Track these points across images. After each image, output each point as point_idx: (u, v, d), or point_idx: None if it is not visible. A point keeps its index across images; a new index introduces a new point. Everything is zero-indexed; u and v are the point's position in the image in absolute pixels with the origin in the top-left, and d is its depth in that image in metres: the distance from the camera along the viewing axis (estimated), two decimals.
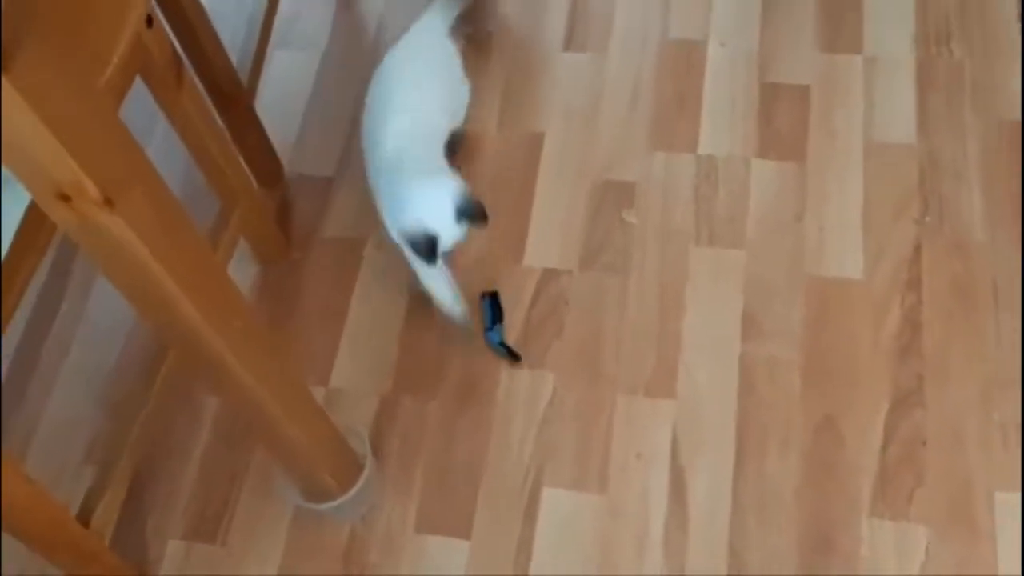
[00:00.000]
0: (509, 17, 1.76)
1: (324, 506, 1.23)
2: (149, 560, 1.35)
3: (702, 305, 1.45)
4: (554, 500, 1.33)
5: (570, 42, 1.71)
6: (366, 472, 1.25)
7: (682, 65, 1.65)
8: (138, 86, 1.18)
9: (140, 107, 1.18)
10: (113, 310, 1.54)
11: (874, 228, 1.47)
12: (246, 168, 1.49)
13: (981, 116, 1.55)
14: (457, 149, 1.51)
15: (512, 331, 1.45)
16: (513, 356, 1.42)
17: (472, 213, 1.28)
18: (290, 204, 1.61)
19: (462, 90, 1.53)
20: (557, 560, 1.29)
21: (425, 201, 1.30)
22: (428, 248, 1.27)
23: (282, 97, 1.70)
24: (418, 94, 1.44)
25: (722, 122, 1.59)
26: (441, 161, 1.40)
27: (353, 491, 1.23)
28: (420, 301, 1.43)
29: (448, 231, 1.29)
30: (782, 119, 1.58)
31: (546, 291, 1.48)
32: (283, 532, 1.35)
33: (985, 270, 1.43)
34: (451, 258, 1.39)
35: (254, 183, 1.53)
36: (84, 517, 1.17)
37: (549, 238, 1.53)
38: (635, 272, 1.48)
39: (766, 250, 1.48)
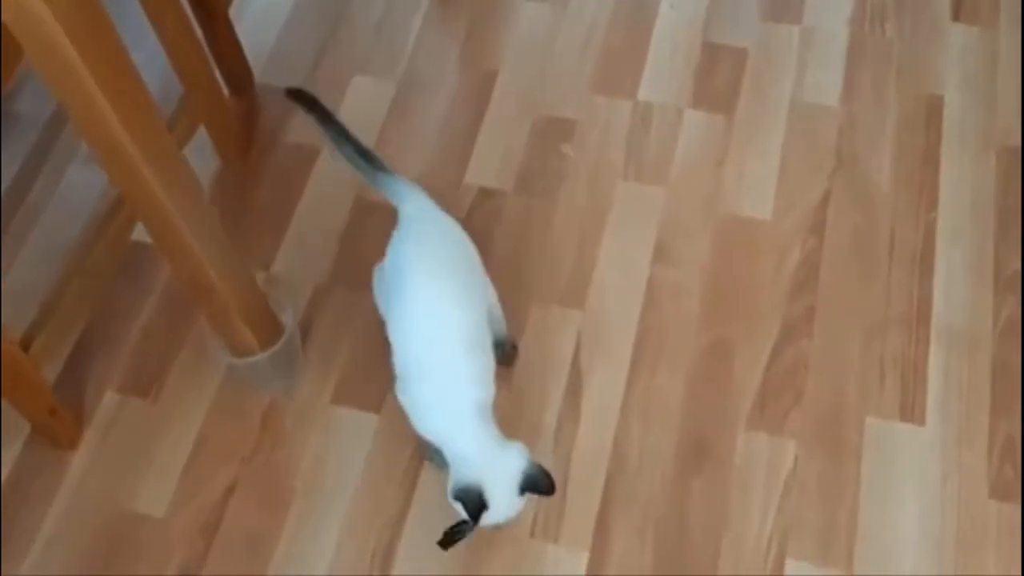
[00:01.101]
0: None
1: (245, 360, 1.35)
2: (85, 408, 1.47)
3: (620, 232, 1.56)
4: None
5: None
6: (285, 337, 1.37)
7: (633, 20, 1.78)
8: None
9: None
10: (82, 190, 1.68)
11: (788, 178, 1.59)
12: (214, 67, 1.62)
13: (903, 92, 1.66)
14: (502, 358, 1.36)
15: None
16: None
17: (541, 487, 1.15)
18: (257, 110, 1.73)
19: (484, 275, 1.33)
20: None
21: (490, 467, 1.16)
22: (475, 511, 1.14)
23: (262, 9, 1.84)
24: (455, 279, 1.24)
25: (662, 74, 1.71)
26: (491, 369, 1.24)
27: (272, 350, 1.34)
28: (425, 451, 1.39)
29: (507, 504, 1.16)
30: (718, 76, 1.70)
31: (481, 208, 1.60)
32: (210, 395, 1.46)
33: (885, 224, 1.54)
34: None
35: (224, 88, 1.66)
36: (25, 342, 1.29)
37: (490, 161, 1.65)
38: (563, 198, 1.60)
39: (685, 189, 1.59)
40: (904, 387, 1.40)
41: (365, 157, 1.33)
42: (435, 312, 1.20)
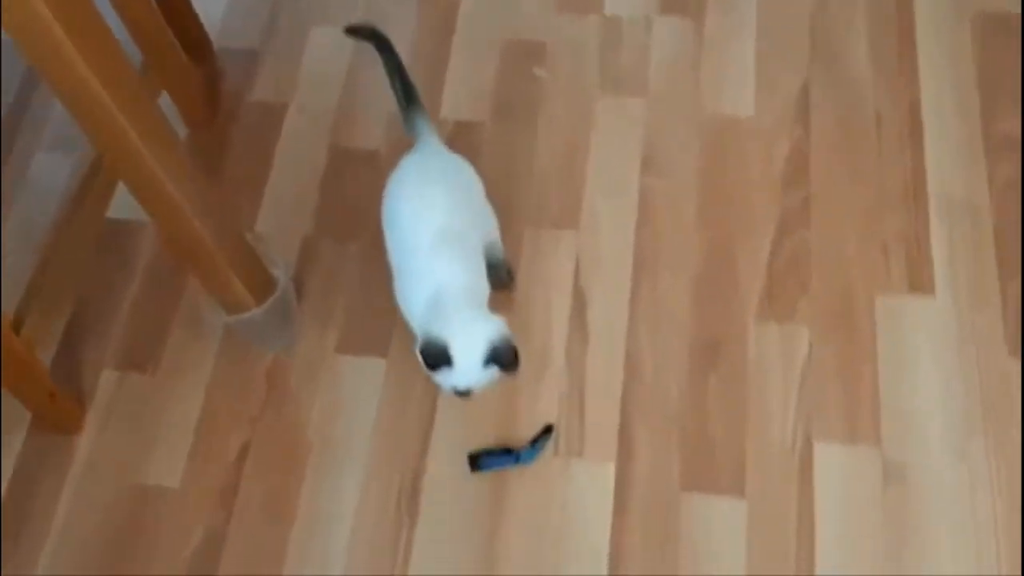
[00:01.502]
0: None
1: (241, 317, 1.31)
2: (85, 389, 1.43)
3: (605, 148, 1.53)
4: None
5: None
6: (279, 289, 1.33)
7: None
8: None
9: None
10: (51, 175, 1.63)
11: (766, 72, 1.57)
12: (171, 35, 1.57)
13: None
14: (497, 281, 1.35)
15: None
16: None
17: (503, 360, 1.15)
18: (219, 75, 1.68)
19: (487, 208, 1.35)
20: None
21: (461, 331, 1.15)
22: (433, 361, 1.14)
23: None
24: (448, 196, 1.25)
25: None
26: (482, 274, 1.25)
27: (267, 304, 1.31)
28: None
29: (471, 368, 1.15)
30: None
31: (459, 141, 1.56)
32: (210, 362, 1.43)
33: (868, 106, 1.52)
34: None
35: (183, 55, 1.62)
36: (16, 325, 1.25)
37: (461, 92, 1.61)
38: (543, 121, 1.57)
39: (665, 97, 1.57)
40: (910, 262, 1.38)
41: (408, 93, 1.35)
42: (429, 213, 1.21)
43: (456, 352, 1.13)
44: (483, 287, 1.24)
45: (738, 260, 1.42)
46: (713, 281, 1.41)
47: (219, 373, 1.42)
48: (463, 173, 1.32)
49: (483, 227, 1.32)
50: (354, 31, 1.39)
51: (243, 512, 1.32)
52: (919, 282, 1.37)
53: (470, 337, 1.14)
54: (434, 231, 1.20)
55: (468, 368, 1.14)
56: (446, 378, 1.16)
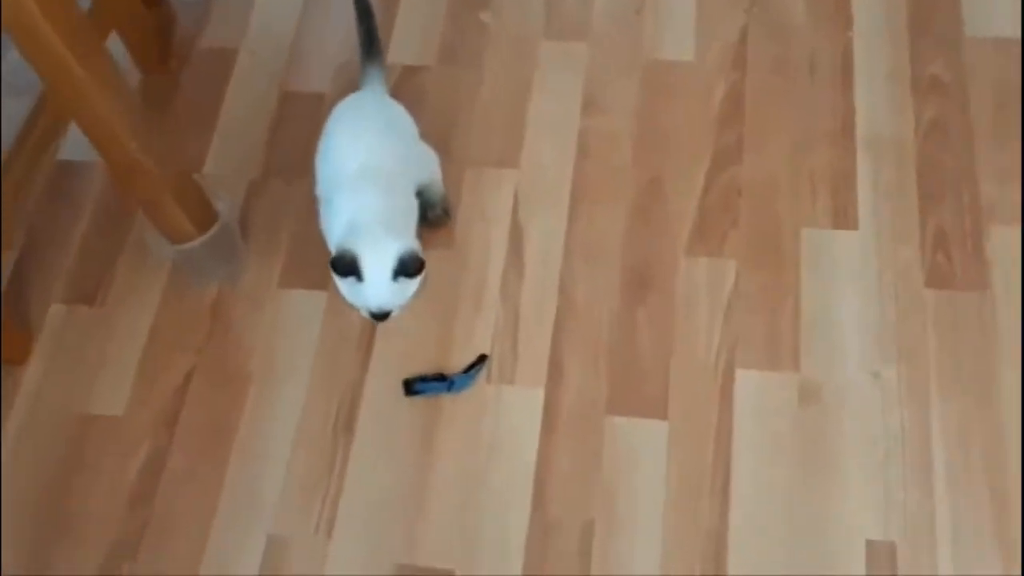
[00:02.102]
0: None
1: (184, 246, 1.35)
2: (32, 322, 1.46)
3: (547, 90, 1.57)
4: None
5: None
6: (221, 221, 1.37)
7: None
8: None
9: None
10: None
11: (705, 18, 1.60)
12: None
13: None
14: (433, 218, 1.44)
15: None
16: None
17: (409, 268, 1.20)
18: (171, 19, 1.71)
19: (421, 149, 1.40)
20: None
21: (371, 246, 1.20)
22: (343, 270, 1.19)
23: None
24: (377, 136, 1.31)
25: None
26: (406, 208, 1.31)
27: (209, 234, 1.34)
28: None
29: (380, 282, 1.20)
30: None
31: (406, 85, 1.60)
32: (156, 293, 1.47)
33: (803, 49, 1.56)
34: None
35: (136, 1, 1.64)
36: None
37: (409, 38, 1.64)
38: (488, 65, 1.60)
39: (607, 41, 1.60)
40: (835, 197, 1.42)
41: (371, 42, 1.40)
42: (355, 149, 1.27)
43: (365, 265, 1.18)
44: (406, 221, 1.28)
45: (671, 196, 1.46)
46: (646, 216, 1.44)
47: (165, 306, 1.45)
48: (396, 116, 1.37)
49: (415, 167, 1.37)
50: None
51: (185, 436, 1.35)
52: (843, 217, 1.41)
53: (379, 251, 1.19)
54: (357, 166, 1.26)
55: (378, 281, 1.19)
56: (360, 296, 1.21)
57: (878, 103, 1.49)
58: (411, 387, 1.35)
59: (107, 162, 1.30)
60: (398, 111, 1.38)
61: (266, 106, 1.60)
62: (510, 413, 1.32)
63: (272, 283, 1.45)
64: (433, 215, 1.45)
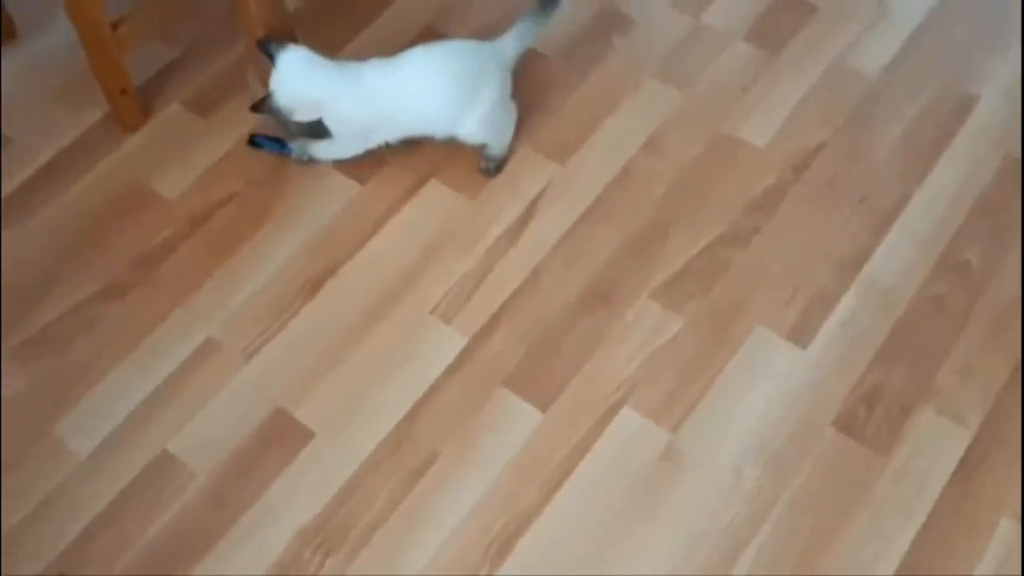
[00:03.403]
0: None
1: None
2: (155, 109, 1.78)
3: (627, 116, 1.71)
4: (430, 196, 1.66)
5: None
6: None
7: None
8: None
9: None
10: None
11: (797, 120, 1.68)
12: None
13: (942, 83, 1.70)
14: (483, 168, 1.64)
15: None
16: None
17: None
18: None
19: (502, 108, 1.61)
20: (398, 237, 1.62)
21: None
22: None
23: None
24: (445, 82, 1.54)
25: (733, 5, 1.82)
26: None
27: None
28: None
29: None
30: (780, 21, 1.80)
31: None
32: (245, 131, 1.75)
33: (865, 181, 1.61)
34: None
35: None
36: (115, 24, 1.59)
37: (549, 30, 1.82)
38: (594, 75, 1.76)
39: (702, 100, 1.72)
40: (805, 314, 1.48)
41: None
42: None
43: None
44: None
45: (669, 244, 1.56)
46: (639, 249, 1.56)
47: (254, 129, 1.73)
48: (488, 54, 1.57)
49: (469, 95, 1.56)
50: None
51: (203, 237, 1.61)
52: (800, 334, 1.46)
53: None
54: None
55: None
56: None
57: (898, 257, 1.52)
58: (254, 140, 1.68)
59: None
60: (495, 72, 1.57)
61: None
62: (429, 344, 1.49)
63: (331, 167, 1.71)
64: (484, 165, 1.64)
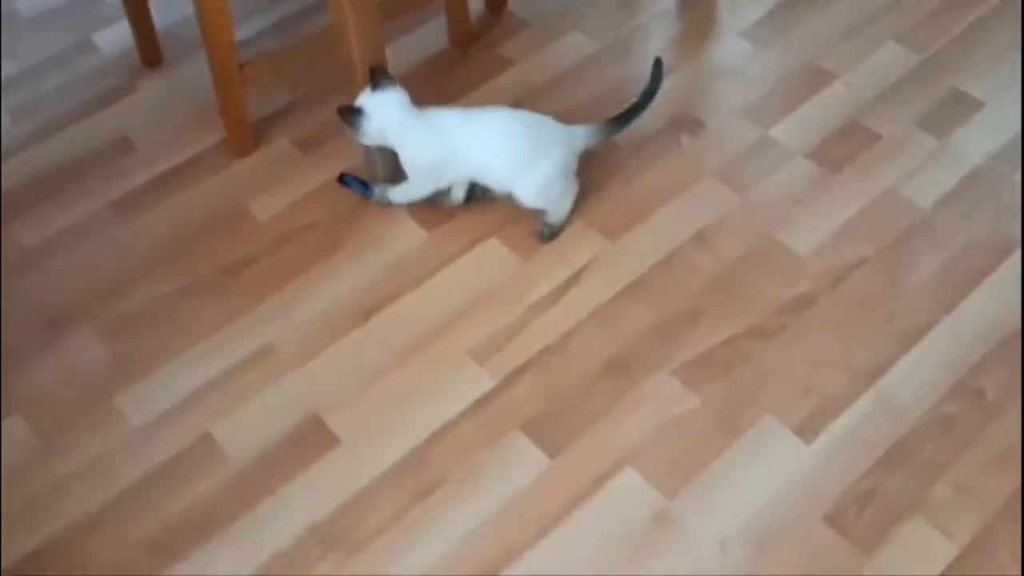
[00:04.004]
0: None
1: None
2: (264, 140, 2.00)
3: (682, 207, 1.83)
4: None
5: None
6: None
7: (806, 79, 2.04)
8: None
9: None
10: None
11: (842, 237, 1.77)
12: None
13: (994, 223, 1.76)
14: (537, 231, 1.79)
15: None
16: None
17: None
18: (502, 21, 2.21)
19: (565, 181, 1.77)
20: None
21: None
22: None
23: None
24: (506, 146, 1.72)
25: (802, 125, 1.95)
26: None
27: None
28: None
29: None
30: (844, 145, 1.91)
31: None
32: (335, 173, 1.95)
33: (897, 302, 1.67)
34: None
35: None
36: (242, 65, 1.85)
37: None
38: (656, 168, 1.89)
39: (754, 206, 1.83)
40: (815, 412, 1.54)
41: (630, 114, 1.79)
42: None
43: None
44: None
45: (696, 330, 1.66)
46: (667, 331, 1.66)
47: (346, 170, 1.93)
48: (557, 130, 1.75)
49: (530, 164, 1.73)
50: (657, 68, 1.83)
51: (295, 252, 1.79)
52: (806, 431, 1.52)
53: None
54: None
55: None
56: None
57: (916, 375, 1.57)
58: (343, 178, 1.88)
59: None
60: (559, 131, 1.75)
61: None
62: (461, 382, 1.61)
63: (404, 213, 1.88)
64: (539, 228, 1.79)
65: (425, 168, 1.78)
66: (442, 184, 1.81)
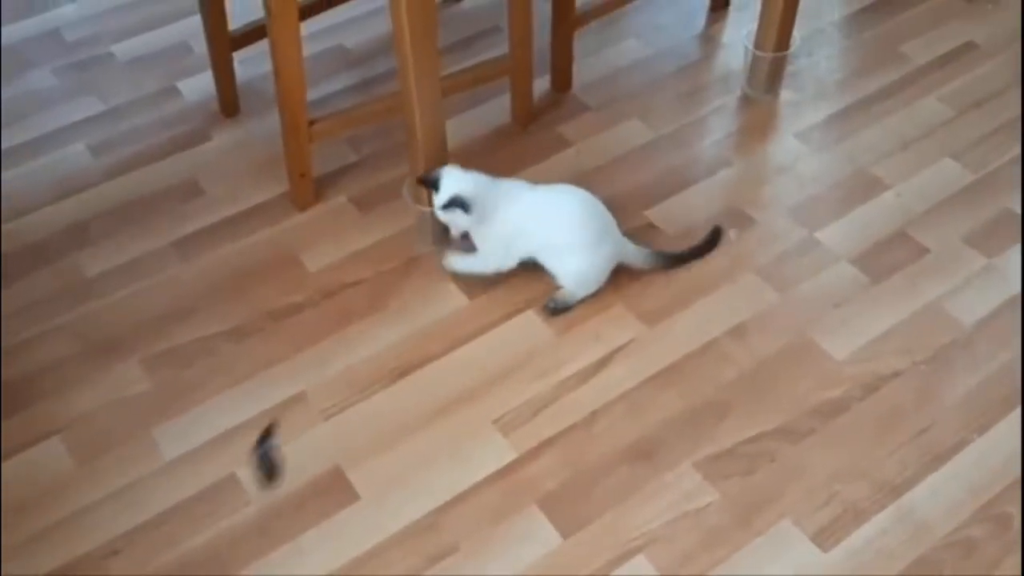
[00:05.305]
0: None
1: (424, 209, 1.88)
2: (325, 195, 2.08)
3: (724, 300, 1.84)
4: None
5: None
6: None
7: (860, 187, 2.05)
8: None
9: None
10: None
11: (879, 345, 1.76)
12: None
13: None
14: (549, 302, 1.83)
15: None
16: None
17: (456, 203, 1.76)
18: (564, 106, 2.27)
19: (582, 267, 1.81)
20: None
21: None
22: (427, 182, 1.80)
23: None
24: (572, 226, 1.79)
25: (850, 232, 1.96)
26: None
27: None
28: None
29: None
30: (890, 254, 1.91)
31: (640, 236, 1.97)
32: (395, 229, 2.01)
33: (929, 418, 1.66)
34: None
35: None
36: (312, 121, 1.94)
37: (675, 215, 2.02)
38: (705, 260, 1.91)
39: (793, 305, 1.84)
40: (835, 521, 1.52)
41: (673, 257, 1.89)
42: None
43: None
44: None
45: (724, 423, 1.66)
46: (694, 422, 1.67)
47: (391, 236, 1.98)
48: (600, 238, 1.80)
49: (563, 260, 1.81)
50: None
51: (326, 310, 1.85)
52: (825, 538, 1.50)
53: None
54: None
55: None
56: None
57: (942, 494, 1.55)
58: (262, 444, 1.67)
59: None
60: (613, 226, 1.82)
61: None
62: (484, 451, 1.63)
63: (446, 277, 1.92)
64: (549, 301, 1.83)
65: (499, 239, 1.83)
66: (511, 261, 1.85)
